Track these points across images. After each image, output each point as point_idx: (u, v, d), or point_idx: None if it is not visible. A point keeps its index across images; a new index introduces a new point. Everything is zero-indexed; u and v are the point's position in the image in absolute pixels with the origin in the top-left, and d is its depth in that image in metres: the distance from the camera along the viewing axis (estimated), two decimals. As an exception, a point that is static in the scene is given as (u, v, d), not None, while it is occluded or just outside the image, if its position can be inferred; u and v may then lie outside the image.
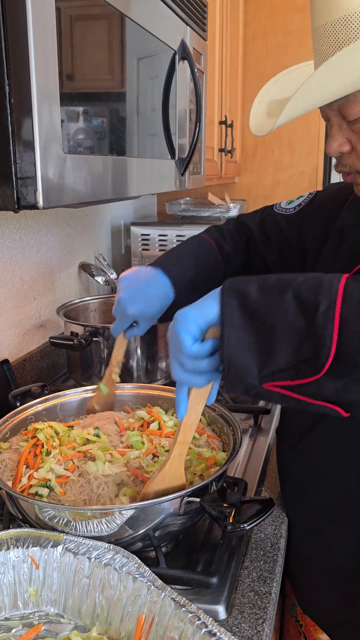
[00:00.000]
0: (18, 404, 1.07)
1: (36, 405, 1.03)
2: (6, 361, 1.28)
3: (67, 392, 1.08)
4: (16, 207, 0.66)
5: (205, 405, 0.93)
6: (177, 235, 1.86)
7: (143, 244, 1.90)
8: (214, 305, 0.64)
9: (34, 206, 0.66)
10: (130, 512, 0.74)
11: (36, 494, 0.81)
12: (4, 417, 0.97)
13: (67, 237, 1.64)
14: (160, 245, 1.88)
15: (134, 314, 0.95)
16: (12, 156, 0.65)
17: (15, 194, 0.66)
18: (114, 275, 1.75)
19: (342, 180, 0.87)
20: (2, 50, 0.62)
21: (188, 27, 1.21)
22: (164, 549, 0.83)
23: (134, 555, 0.71)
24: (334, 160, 0.85)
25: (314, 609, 0.94)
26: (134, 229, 1.90)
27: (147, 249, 1.90)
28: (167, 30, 1.08)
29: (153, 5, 1.00)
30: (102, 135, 0.85)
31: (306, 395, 0.61)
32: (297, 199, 1.06)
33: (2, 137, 0.64)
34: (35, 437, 0.92)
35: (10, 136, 0.64)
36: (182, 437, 0.77)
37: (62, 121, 0.70)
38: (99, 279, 1.70)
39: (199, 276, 0.99)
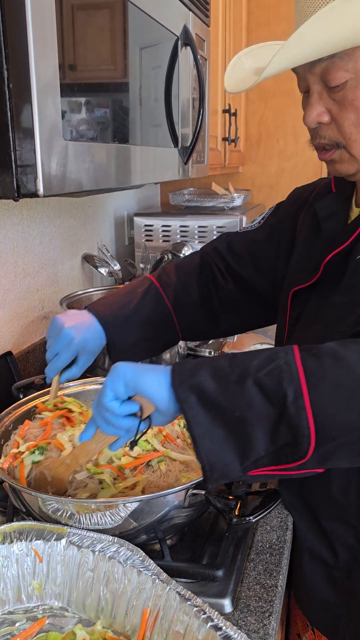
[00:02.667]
0: (21, 396, 1.06)
1: (39, 397, 1.02)
2: (9, 353, 1.27)
3: (69, 384, 1.07)
4: (16, 195, 0.64)
5: None
6: (181, 226, 1.84)
7: (146, 235, 1.89)
8: (157, 389, 0.63)
9: (34, 194, 0.65)
10: (134, 505, 0.73)
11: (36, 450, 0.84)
12: (7, 409, 0.96)
13: (70, 228, 1.63)
14: (164, 236, 1.87)
15: (80, 343, 0.90)
16: (11, 143, 0.63)
17: (15, 182, 0.64)
18: (117, 267, 1.74)
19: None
20: (0, 34, 0.60)
21: (190, 12, 1.19)
22: (168, 542, 0.82)
23: (139, 548, 0.71)
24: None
25: (308, 604, 0.93)
26: (137, 219, 1.89)
27: (150, 240, 1.88)
28: (169, 16, 1.06)
29: (155, -11, 0.98)
30: (104, 122, 0.83)
31: (291, 471, 0.62)
32: (259, 216, 1.05)
33: (1, 124, 0.63)
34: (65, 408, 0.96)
35: (9, 122, 0.62)
36: (77, 453, 0.78)
37: (62, 107, 0.68)
38: (102, 270, 1.69)
39: (134, 315, 0.96)
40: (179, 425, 0.95)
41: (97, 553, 0.70)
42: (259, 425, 0.59)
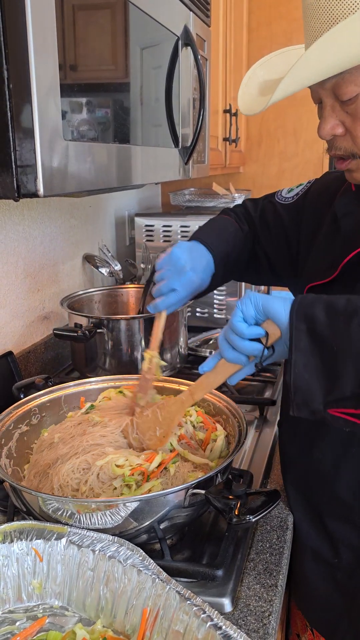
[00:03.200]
0: (22, 396, 1.06)
1: (40, 397, 1.02)
2: (10, 353, 1.27)
3: (71, 383, 1.07)
4: (16, 195, 0.64)
5: (212, 395, 0.92)
6: (182, 226, 1.84)
7: (147, 235, 1.89)
8: (283, 315, 0.67)
9: (34, 194, 0.65)
10: (134, 505, 0.73)
11: None
12: (8, 409, 0.96)
13: (71, 229, 1.63)
14: (165, 236, 1.87)
15: (185, 265, 0.90)
16: (11, 143, 0.63)
17: (15, 182, 0.64)
18: (118, 267, 1.74)
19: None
20: (0, 32, 0.60)
21: (191, 12, 1.19)
22: (168, 542, 0.82)
23: (139, 548, 0.71)
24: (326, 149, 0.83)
25: (308, 604, 0.93)
26: (138, 219, 1.89)
27: (151, 240, 1.88)
28: (170, 16, 1.06)
29: (155, -10, 0.98)
30: (105, 122, 0.83)
31: None
32: (297, 187, 1.06)
33: (1, 124, 0.63)
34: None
35: (10, 122, 0.63)
36: (194, 389, 0.81)
37: (63, 108, 0.68)
38: (103, 270, 1.69)
39: (233, 253, 1.00)
40: (193, 426, 0.95)
41: (97, 552, 0.70)
42: (351, 365, 0.61)
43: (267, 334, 0.70)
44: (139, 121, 0.97)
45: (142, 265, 1.82)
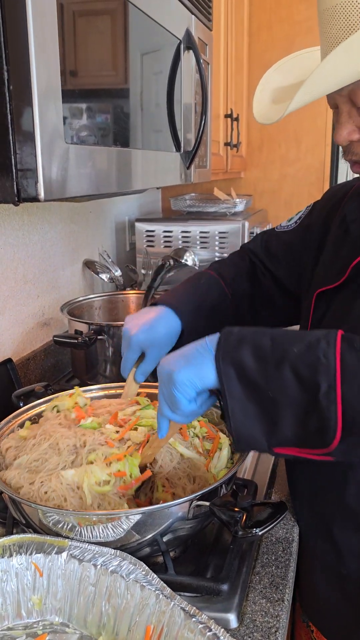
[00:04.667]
0: (21, 404, 1.04)
1: (40, 406, 1.00)
2: (9, 360, 1.25)
3: (70, 391, 1.05)
4: (16, 199, 0.63)
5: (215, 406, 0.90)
6: (183, 231, 1.82)
7: (148, 241, 1.87)
8: (210, 369, 0.66)
9: (34, 198, 0.64)
10: (137, 517, 0.71)
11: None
12: (7, 418, 0.94)
13: (71, 234, 1.61)
14: (165, 241, 1.85)
15: (140, 339, 0.91)
16: (11, 146, 0.62)
17: (15, 186, 0.63)
18: (118, 272, 1.72)
19: (350, 170, 0.85)
20: (0, 34, 0.59)
21: (193, 15, 1.18)
22: (172, 554, 0.80)
23: (142, 562, 0.69)
24: (341, 154, 0.83)
25: (320, 616, 0.91)
26: (138, 225, 1.87)
27: (152, 246, 1.87)
28: (172, 19, 1.05)
29: (157, -8, 0.97)
30: (106, 127, 0.82)
31: (315, 456, 0.64)
32: (296, 215, 1.06)
33: (1, 127, 0.61)
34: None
35: (10, 125, 0.61)
36: (157, 445, 0.81)
37: (64, 113, 0.67)
38: (104, 276, 1.67)
39: (203, 303, 0.99)
40: (198, 437, 0.93)
41: (98, 567, 0.68)
42: (289, 409, 0.62)
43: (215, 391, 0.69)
44: (140, 126, 0.95)
45: (143, 271, 1.81)
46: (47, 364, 1.46)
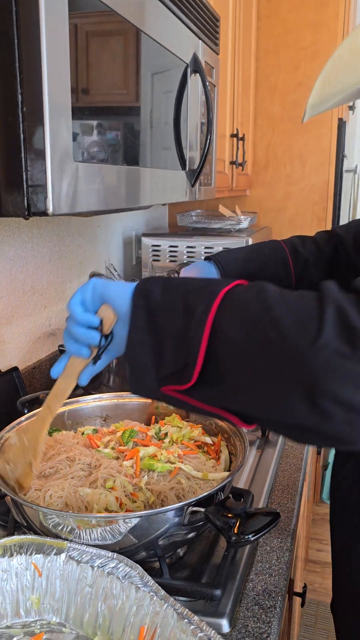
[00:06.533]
0: (26, 411, 1.07)
1: (43, 413, 1.03)
2: (15, 369, 1.28)
3: (74, 399, 1.08)
4: (26, 213, 0.66)
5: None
6: (188, 247, 1.86)
7: (154, 255, 1.91)
8: (124, 295, 0.63)
9: (43, 213, 0.67)
10: (135, 521, 0.73)
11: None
12: (11, 424, 0.97)
13: (79, 247, 1.65)
14: (171, 256, 1.89)
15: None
16: (23, 163, 0.66)
17: (25, 200, 0.66)
18: (124, 286, 1.76)
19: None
20: (15, 60, 0.63)
21: (200, 40, 1.23)
22: (168, 560, 0.82)
23: (138, 565, 0.71)
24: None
25: None
26: (145, 239, 1.92)
27: (157, 260, 1.91)
28: (179, 44, 1.09)
29: (166, 20, 1.02)
30: (115, 146, 0.86)
31: (197, 400, 0.59)
32: None
33: (14, 145, 0.65)
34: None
35: (22, 144, 0.65)
36: (49, 400, 0.77)
37: (74, 130, 0.71)
38: (109, 289, 1.71)
39: (259, 273, 0.92)
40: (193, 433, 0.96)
41: (96, 568, 0.71)
42: (171, 341, 0.58)
43: (102, 322, 0.65)
44: (148, 144, 0.99)
45: (148, 285, 1.84)
46: (52, 373, 1.49)
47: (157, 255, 1.91)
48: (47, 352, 1.49)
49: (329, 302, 0.51)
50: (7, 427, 0.96)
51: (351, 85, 0.68)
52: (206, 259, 0.95)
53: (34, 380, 1.40)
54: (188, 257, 1.87)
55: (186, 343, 0.56)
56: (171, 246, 1.88)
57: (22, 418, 0.99)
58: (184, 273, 0.93)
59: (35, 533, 0.79)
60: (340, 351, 0.48)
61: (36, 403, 1.09)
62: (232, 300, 0.56)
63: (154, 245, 1.90)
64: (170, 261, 1.89)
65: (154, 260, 1.90)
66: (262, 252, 0.96)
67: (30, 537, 0.75)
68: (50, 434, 1.02)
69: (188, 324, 0.56)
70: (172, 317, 0.58)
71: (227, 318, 0.55)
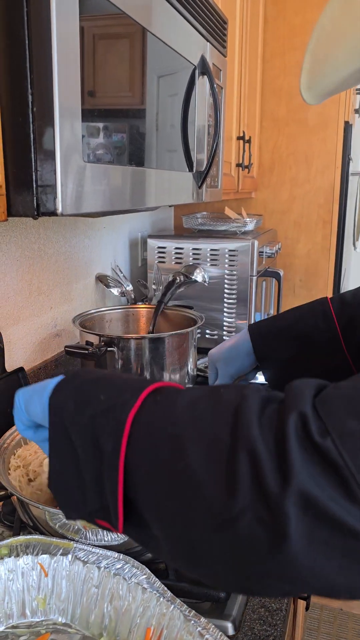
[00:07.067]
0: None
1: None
2: (21, 369, 1.28)
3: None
4: (35, 213, 0.67)
5: None
6: (194, 249, 1.86)
7: (159, 256, 1.91)
8: (44, 411, 0.52)
9: (53, 213, 0.67)
10: (140, 522, 0.73)
11: None
12: (12, 429, 0.97)
13: (85, 248, 1.66)
14: (176, 257, 1.89)
15: (212, 353, 0.91)
16: (33, 164, 0.66)
17: (35, 200, 0.67)
18: (129, 287, 1.76)
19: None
20: (26, 60, 0.63)
21: (208, 43, 1.23)
22: (174, 561, 0.82)
23: (144, 566, 0.71)
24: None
25: None
26: (150, 241, 1.92)
27: (163, 262, 1.91)
28: (187, 46, 1.10)
29: (175, 22, 1.02)
30: (122, 146, 0.86)
31: (135, 540, 0.52)
32: None
33: (24, 145, 0.65)
34: None
35: (32, 144, 0.65)
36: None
37: (83, 130, 0.71)
38: (115, 290, 1.71)
39: (293, 325, 0.85)
40: None
41: (102, 569, 0.71)
42: (89, 471, 0.48)
43: None
44: (155, 146, 1.00)
45: (154, 286, 1.84)
46: (58, 373, 1.49)
47: (163, 257, 1.91)
48: (52, 352, 1.49)
49: (243, 440, 0.39)
50: (13, 428, 0.96)
51: (344, 62, 0.61)
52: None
53: (39, 380, 1.40)
54: (194, 258, 1.87)
55: (103, 485, 0.47)
56: (177, 248, 1.88)
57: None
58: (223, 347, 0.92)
59: (41, 533, 0.79)
60: (261, 520, 0.38)
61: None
62: (140, 431, 0.45)
63: (159, 247, 1.90)
64: (176, 263, 1.89)
65: (159, 262, 1.91)
66: (297, 309, 0.90)
67: (36, 537, 0.75)
68: None
69: (100, 464, 0.47)
70: (86, 448, 0.48)
71: (137, 461, 0.45)
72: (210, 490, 0.40)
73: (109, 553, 0.72)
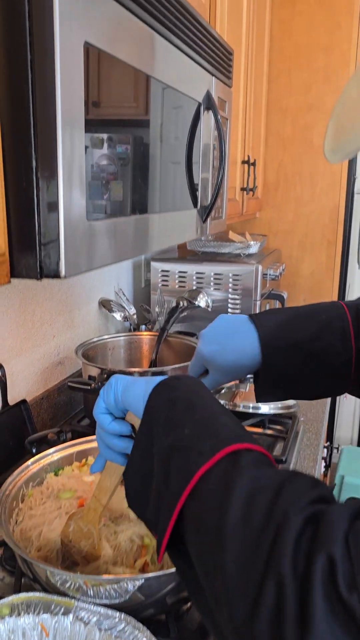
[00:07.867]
0: (34, 450, 1.07)
1: (52, 454, 1.03)
2: (24, 401, 1.28)
3: (81, 440, 1.08)
4: (39, 277, 0.66)
5: None
6: (197, 272, 1.86)
7: (163, 279, 1.91)
8: (140, 401, 0.58)
9: (56, 275, 0.67)
10: (141, 582, 0.73)
11: None
12: (20, 468, 0.97)
13: (87, 274, 1.65)
14: (180, 281, 1.89)
15: (205, 355, 0.79)
16: (36, 226, 0.66)
17: (38, 264, 0.66)
18: (132, 311, 1.76)
19: None
20: (31, 127, 0.63)
21: (214, 77, 1.23)
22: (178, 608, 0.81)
23: (145, 628, 0.70)
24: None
25: None
26: (154, 264, 1.92)
27: (166, 285, 1.91)
28: (192, 84, 1.09)
29: (178, 62, 1.02)
30: (124, 200, 0.85)
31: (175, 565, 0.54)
32: None
33: (27, 207, 0.65)
34: None
35: (36, 209, 0.65)
36: (97, 494, 0.77)
37: (87, 189, 0.71)
38: (117, 315, 1.71)
39: (309, 343, 0.77)
40: None
41: (103, 632, 0.70)
42: (156, 482, 0.52)
43: (133, 429, 0.61)
44: (158, 189, 0.99)
45: (157, 309, 1.84)
46: (60, 401, 1.49)
47: (166, 280, 1.91)
48: (54, 381, 1.49)
49: (273, 570, 0.38)
50: (15, 473, 0.96)
51: None
52: (249, 316, 0.82)
53: (42, 410, 1.40)
54: (197, 282, 1.87)
55: (160, 509, 0.50)
56: (180, 271, 1.88)
57: (29, 463, 0.99)
58: (219, 321, 0.83)
59: (42, 587, 0.78)
60: None
61: (44, 442, 1.09)
62: (200, 496, 0.47)
63: (163, 270, 1.90)
64: (180, 286, 1.89)
65: (163, 285, 1.90)
66: (315, 319, 0.79)
67: (37, 595, 0.74)
68: (56, 473, 1.02)
69: (165, 488, 0.50)
70: (160, 465, 0.52)
71: (190, 517, 0.47)
72: (236, 598, 0.40)
73: (110, 612, 0.72)
